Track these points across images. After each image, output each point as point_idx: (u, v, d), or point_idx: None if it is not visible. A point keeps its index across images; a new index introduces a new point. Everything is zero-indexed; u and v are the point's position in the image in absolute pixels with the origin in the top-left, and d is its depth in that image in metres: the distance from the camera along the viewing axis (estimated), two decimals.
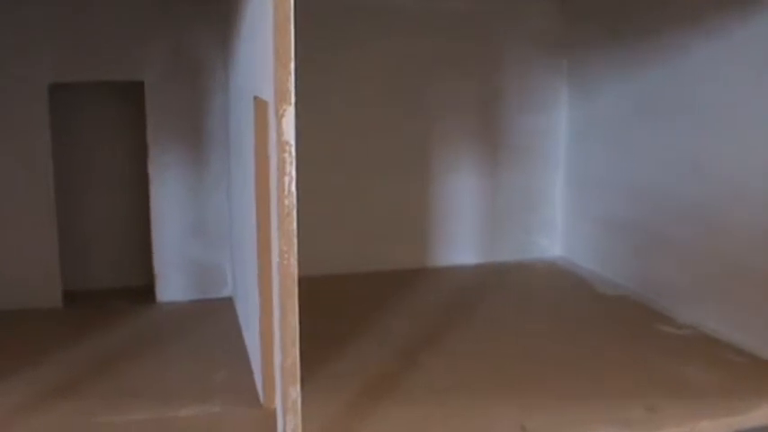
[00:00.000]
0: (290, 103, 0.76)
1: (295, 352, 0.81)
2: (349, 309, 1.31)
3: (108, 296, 1.39)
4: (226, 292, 1.37)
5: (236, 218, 1.22)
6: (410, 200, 1.51)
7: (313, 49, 1.40)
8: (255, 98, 0.92)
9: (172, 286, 1.35)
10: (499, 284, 1.44)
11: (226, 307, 1.33)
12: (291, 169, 0.77)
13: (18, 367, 1.10)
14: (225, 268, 1.36)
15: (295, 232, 0.79)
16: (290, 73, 0.76)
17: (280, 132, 0.76)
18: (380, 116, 1.46)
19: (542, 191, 1.57)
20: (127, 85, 1.34)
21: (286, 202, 0.78)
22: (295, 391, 0.82)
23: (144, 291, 1.39)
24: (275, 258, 0.80)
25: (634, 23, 1.35)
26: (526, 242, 1.58)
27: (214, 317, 1.29)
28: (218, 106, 1.31)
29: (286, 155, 0.77)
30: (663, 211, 1.30)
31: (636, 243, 1.37)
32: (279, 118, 0.76)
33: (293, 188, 0.78)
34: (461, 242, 1.54)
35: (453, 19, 1.46)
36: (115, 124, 1.38)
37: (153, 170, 1.32)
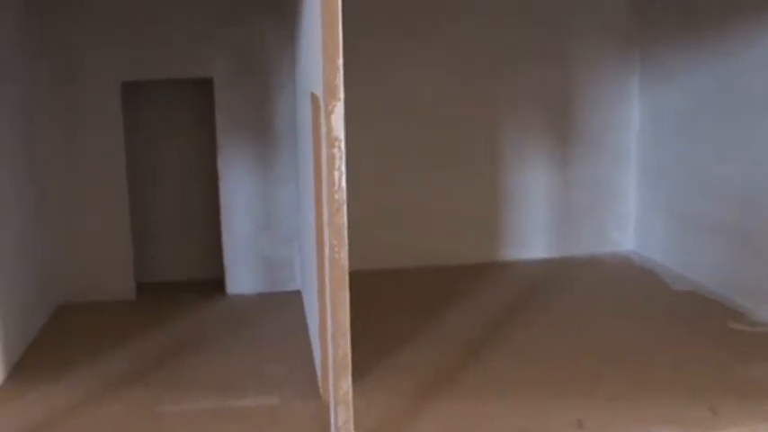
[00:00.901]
0: (339, 99, 0.77)
1: (346, 344, 0.82)
2: (414, 303, 1.32)
3: (179, 289, 1.42)
4: (294, 286, 1.38)
5: (303, 212, 1.23)
6: (479, 193, 1.50)
7: (382, 39, 1.40)
8: (312, 94, 0.93)
9: (241, 279, 1.37)
10: (569, 279, 1.42)
11: (294, 300, 1.35)
12: (341, 164, 0.78)
13: (90, 357, 1.14)
14: (293, 262, 1.38)
15: (345, 226, 0.79)
16: (338, 69, 0.76)
17: (329, 128, 0.77)
18: (449, 108, 1.46)
19: (614, 184, 1.55)
20: (197, 82, 1.36)
21: (336, 196, 0.78)
22: (346, 384, 0.83)
23: (214, 284, 1.41)
24: (327, 252, 0.81)
25: (708, 13, 1.32)
26: (597, 236, 1.56)
27: (282, 310, 1.31)
28: (285, 102, 1.33)
29: (335, 150, 0.78)
30: (739, 205, 1.27)
31: (710, 238, 1.34)
32: (328, 114, 0.77)
33: (343, 183, 0.78)
34: (531, 236, 1.53)
35: (524, 9, 1.45)
36: (185, 120, 1.41)
37: (223, 165, 1.34)
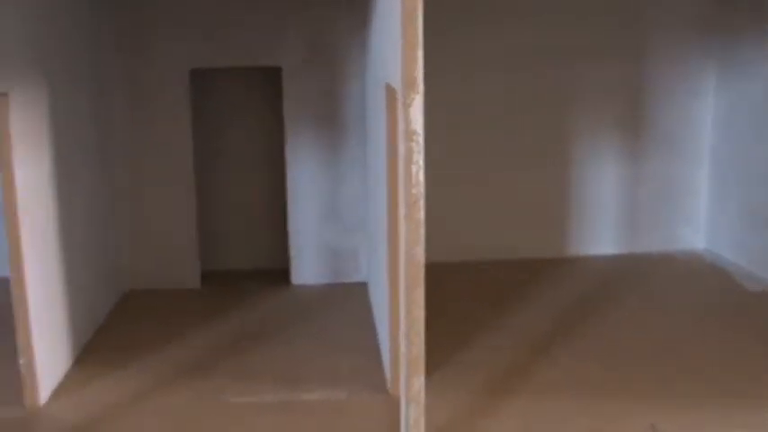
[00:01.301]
0: (418, 92, 0.75)
1: (420, 342, 0.80)
2: (483, 296, 1.30)
3: (244, 277, 1.41)
4: (359, 277, 1.37)
5: (370, 204, 1.22)
6: (549, 188, 1.47)
7: (451, 35, 1.39)
8: (387, 85, 0.92)
9: (306, 270, 1.37)
10: (639, 276, 1.39)
11: (359, 291, 1.34)
12: (419, 158, 0.77)
13: (156, 344, 1.14)
14: (359, 253, 1.37)
15: (423, 221, 0.78)
16: (417, 61, 0.75)
17: (407, 121, 0.76)
18: (519, 102, 1.43)
19: (686, 181, 1.51)
20: (265, 71, 1.36)
21: (413, 191, 0.77)
22: (419, 382, 0.82)
23: (279, 273, 1.41)
24: (402, 247, 0.80)
25: None
26: (668, 233, 1.52)
27: (347, 301, 1.30)
28: (354, 91, 1.31)
29: (413, 144, 0.76)
30: None
31: None
32: (406, 107, 0.75)
33: (421, 177, 0.77)
34: (600, 232, 1.50)
35: (597, 2, 1.42)
36: (253, 109, 1.41)
37: (290, 155, 1.33)
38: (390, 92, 0.91)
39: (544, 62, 1.43)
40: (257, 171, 1.43)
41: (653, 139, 1.49)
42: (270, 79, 1.37)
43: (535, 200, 1.48)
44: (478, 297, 1.30)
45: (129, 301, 1.32)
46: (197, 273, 1.36)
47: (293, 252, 1.37)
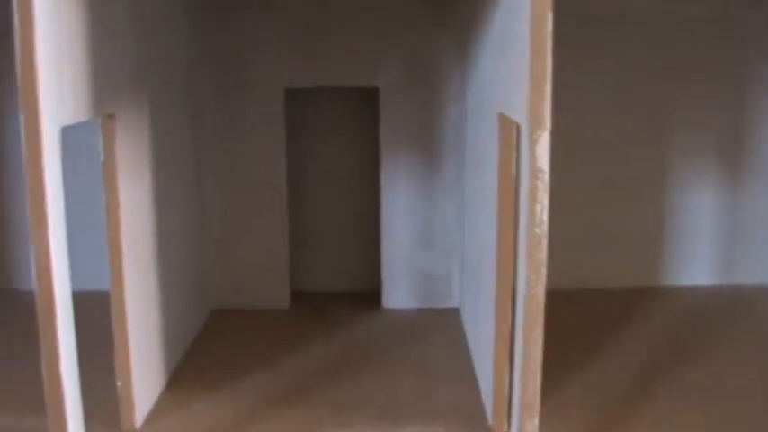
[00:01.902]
0: (546, 129, 0.73)
1: (536, 384, 0.78)
2: (578, 326, 1.27)
3: (333, 298, 1.40)
4: (452, 303, 1.35)
5: (470, 231, 1.19)
6: (644, 215, 1.44)
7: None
8: (500, 115, 0.89)
9: (397, 293, 1.35)
10: (736, 309, 1.35)
11: (451, 317, 1.31)
12: (544, 197, 0.74)
13: (247, 370, 1.13)
14: (452, 278, 1.34)
15: (545, 262, 0.75)
16: (545, 97, 0.72)
17: (533, 159, 0.73)
18: (615, 129, 1.40)
19: None
20: (361, 91, 1.34)
21: (537, 230, 0.74)
22: (532, 425, 0.79)
23: (369, 295, 1.39)
24: (522, 287, 0.77)
25: None
26: (766, 264, 1.47)
27: (439, 328, 1.28)
28: (452, 114, 1.29)
29: (539, 182, 0.74)
30: None
31: None
32: (533, 143, 0.73)
33: (545, 216, 0.74)
34: (697, 262, 1.46)
35: (697, 26, 1.38)
36: (348, 129, 1.39)
37: (385, 177, 1.31)
38: (505, 122, 0.89)
39: (641, 86, 1.39)
40: (350, 192, 1.41)
41: (752, 167, 1.44)
42: (366, 100, 1.35)
43: (630, 228, 1.44)
44: (572, 326, 1.27)
45: (217, 321, 1.31)
46: (286, 293, 1.35)
47: (385, 275, 1.35)
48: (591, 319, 1.30)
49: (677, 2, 1.37)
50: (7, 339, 1.22)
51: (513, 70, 0.80)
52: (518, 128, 0.79)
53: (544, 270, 0.75)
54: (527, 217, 0.75)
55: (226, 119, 1.29)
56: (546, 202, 0.74)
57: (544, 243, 0.75)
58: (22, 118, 0.72)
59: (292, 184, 1.36)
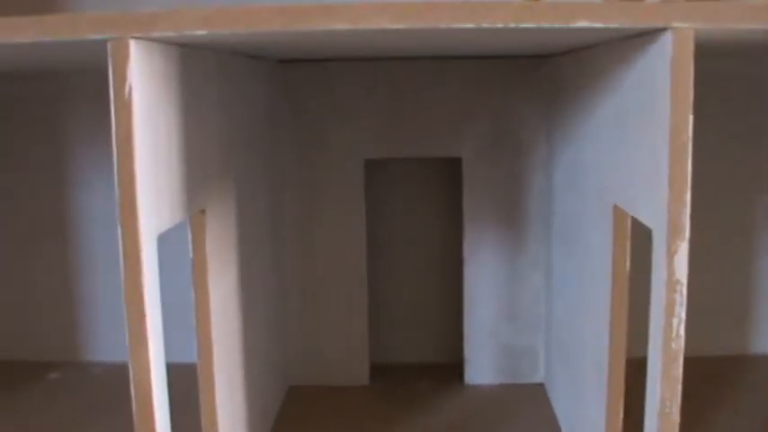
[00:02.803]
0: (685, 239, 0.66)
1: None
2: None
3: (414, 372, 1.34)
4: (537, 378, 1.28)
5: (564, 312, 1.13)
6: (731, 279, 1.36)
7: None
8: (615, 207, 0.83)
9: (480, 368, 1.28)
10: None
11: (537, 394, 1.25)
12: (681, 311, 0.67)
13: None
14: (538, 354, 1.27)
15: (680, 378, 0.69)
16: (685, 206, 0.66)
17: (671, 270, 0.67)
18: (696, 192, 1.32)
19: None
20: (443, 162, 1.28)
21: (673, 345, 0.68)
22: None
23: (450, 369, 1.33)
24: (653, 403, 0.71)
25: None
26: None
27: (526, 405, 1.21)
28: (537, 184, 1.23)
29: (677, 295, 0.67)
30: None
31: None
32: (671, 255, 0.66)
33: (682, 331, 0.68)
34: None
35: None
36: (429, 200, 1.34)
37: (468, 249, 1.25)
38: (621, 215, 0.82)
39: (729, 141, 1.32)
40: (432, 263, 1.35)
41: None
42: (449, 170, 1.29)
43: (716, 292, 1.36)
44: None
45: (296, 398, 1.25)
46: (366, 368, 1.29)
47: (467, 350, 1.28)
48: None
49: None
50: (77, 412, 1.17)
51: (638, 167, 0.74)
52: (649, 231, 0.72)
53: (679, 387, 0.69)
54: (662, 331, 0.68)
55: (304, 191, 1.24)
56: (683, 315, 0.67)
57: (680, 359, 0.68)
58: (120, 232, 0.67)
59: (372, 255, 1.31)
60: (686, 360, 1.23)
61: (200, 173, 0.82)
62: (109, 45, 0.65)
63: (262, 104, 1.13)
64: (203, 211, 0.84)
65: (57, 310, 1.37)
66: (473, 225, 1.25)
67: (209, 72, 0.87)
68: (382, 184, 1.32)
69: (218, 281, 0.89)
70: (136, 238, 0.67)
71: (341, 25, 0.63)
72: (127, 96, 0.65)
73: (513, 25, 0.63)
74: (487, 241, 1.25)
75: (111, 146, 0.66)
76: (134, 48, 0.65)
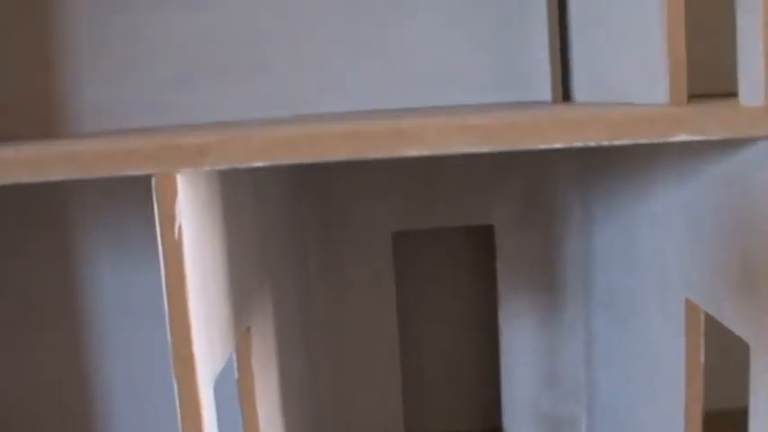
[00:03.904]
0: None
1: None
2: None
3: None
4: None
5: (610, 384, 1.05)
6: None
7: None
8: (687, 301, 0.75)
9: None
10: None
11: None
12: None
13: None
14: (579, 422, 1.20)
15: None
16: None
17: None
18: None
19: None
20: (474, 230, 1.20)
21: None
22: None
23: None
24: None
25: None
26: None
27: None
28: (573, 251, 1.16)
29: None
30: None
31: None
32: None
33: None
34: None
35: None
36: (461, 268, 1.25)
37: (503, 319, 1.18)
38: (694, 311, 0.75)
39: None
40: (466, 331, 1.27)
41: None
42: (480, 238, 1.21)
43: None
44: None
45: None
46: None
47: (506, 419, 1.20)
48: None
49: None
50: None
51: (727, 273, 0.66)
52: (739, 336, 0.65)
53: None
54: None
55: (332, 268, 1.16)
56: None
57: None
58: (175, 382, 0.59)
59: (404, 324, 1.22)
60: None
61: (244, 292, 0.74)
62: (153, 181, 0.57)
63: (288, 193, 1.04)
64: (248, 329, 0.76)
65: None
66: (508, 292, 1.17)
67: (247, 187, 0.79)
68: (412, 254, 1.24)
69: (264, 395, 0.81)
70: (194, 390, 0.59)
71: (418, 150, 0.55)
72: (177, 236, 0.57)
73: (606, 143, 0.55)
74: (523, 308, 1.18)
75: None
76: (182, 183, 0.57)
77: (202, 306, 0.61)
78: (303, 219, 1.13)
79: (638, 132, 0.55)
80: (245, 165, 0.56)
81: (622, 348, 1.00)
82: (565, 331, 1.18)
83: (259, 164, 0.55)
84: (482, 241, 1.21)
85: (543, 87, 1.12)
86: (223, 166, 0.56)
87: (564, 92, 1.11)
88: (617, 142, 0.55)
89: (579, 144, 0.55)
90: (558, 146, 0.55)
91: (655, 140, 0.55)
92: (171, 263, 0.57)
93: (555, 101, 1.11)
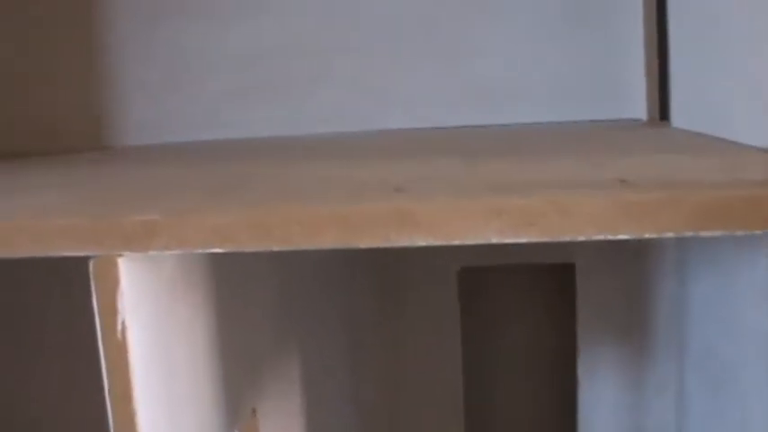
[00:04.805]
0: None
1: None
2: None
3: None
4: None
5: None
6: None
7: None
8: None
9: None
10: None
11: None
12: None
13: None
14: None
15: None
16: None
17: None
18: None
19: None
20: (552, 268, 1.04)
21: None
22: None
23: None
24: None
25: None
26: None
27: None
28: (666, 297, 0.99)
29: None
30: None
31: None
32: None
33: None
34: None
35: None
36: (535, 312, 1.10)
37: (582, 367, 1.02)
38: None
39: None
40: (539, 384, 1.12)
41: None
42: (557, 277, 1.05)
43: None
44: None
45: None
46: None
47: None
48: None
49: None
50: None
51: None
52: None
53: None
54: None
55: (386, 310, 1.02)
56: None
57: None
58: None
59: (469, 375, 1.07)
60: None
61: (241, 375, 0.60)
62: (91, 265, 0.43)
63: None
64: (254, 410, 0.62)
65: None
66: (589, 341, 1.01)
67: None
68: (479, 294, 1.09)
69: None
70: None
71: (422, 240, 0.40)
72: (120, 335, 0.43)
73: (690, 233, 0.39)
74: (606, 360, 1.02)
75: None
76: (126, 269, 0.43)
77: (163, 413, 0.47)
78: (351, 259, 0.99)
79: (730, 224, 0.39)
80: (201, 250, 0.41)
81: (718, 418, 0.83)
82: (653, 389, 1.01)
83: (218, 250, 0.41)
84: (560, 281, 1.05)
85: (638, 104, 0.96)
86: (175, 251, 0.42)
87: (661, 107, 0.95)
88: (703, 233, 0.39)
89: (652, 235, 0.39)
90: (623, 237, 0.39)
91: (755, 231, 0.39)
92: (113, 368, 0.43)
93: (650, 120, 0.95)
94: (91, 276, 0.43)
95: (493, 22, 0.94)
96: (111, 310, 0.43)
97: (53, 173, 0.73)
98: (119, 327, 0.43)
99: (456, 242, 0.39)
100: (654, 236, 0.39)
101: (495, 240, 0.39)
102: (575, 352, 1.02)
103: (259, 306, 0.66)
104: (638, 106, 0.96)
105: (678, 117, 0.89)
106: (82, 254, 0.43)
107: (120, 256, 0.43)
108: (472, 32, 0.95)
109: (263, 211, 0.40)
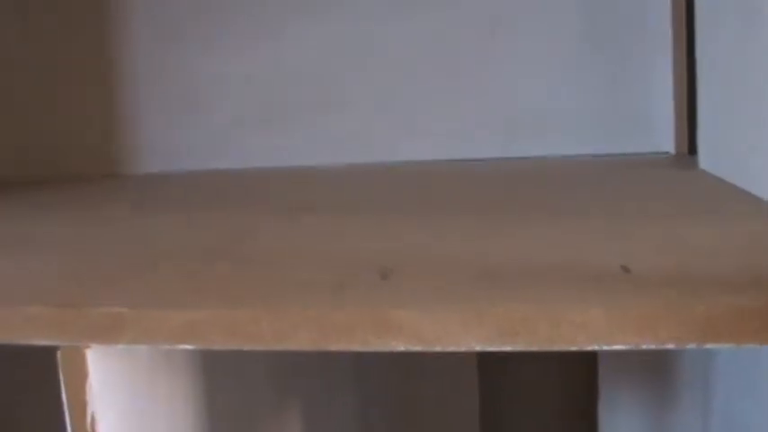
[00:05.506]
0: None
1: None
2: None
3: None
4: None
5: None
6: None
7: None
8: None
9: None
10: None
11: None
12: None
13: None
14: None
15: None
16: None
17: None
18: None
19: None
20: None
21: None
22: None
23: None
24: None
25: None
26: None
27: None
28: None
29: None
30: None
31: None
32: None
33: None
34: None
35: None
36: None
37: (603, 414, 0.97)
38: None
39: None
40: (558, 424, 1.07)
41: None
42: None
43: None
44: None
45: None
46: None
47: None
48: None
49: None
50: None
51: None
52: None
53: None
54: None
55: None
56: None
57: None
58: None
59: (485, 418, 1.03)
60: None
61: None
62: (59, 355, 0.41)
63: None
64: None
65: None
66: (610, 382, 0.97)
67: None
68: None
69: None
70: None
71: (401, 346, 0.37)
72: (89, 428, 0.41)
73: (694, 346, 0.35)
74: (627, 403, 0.98)
75: None
76: (93, 359, 0.40)
77: None
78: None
79: (742, 337, 0.35)
80: (170, 346, 0.39)
81: None
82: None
83: (188, 347, 0.38)
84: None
85: (665, 137, 0.91)
86: (143, 345, 0.39)
87: (690, 139, 0.91)
88: (708, 345, 0.35)
89: (650, 347, 0.35)
90: (619, 347, 0.35)
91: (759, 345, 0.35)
92: None
93: (677, 156, 0.91)
94: (59, 367, 0.40)
95: (517, 51, 0.90)
96: (79, 402, 0.40)
97: (42, 219, 0.70)
98: (88, 419, 0.40)
99: (437, 349, 0.36)
100: (652, 347, 0.35)
101: (478, 348, 0.35)
102: (596, 394, 0.98)
103: (260, 363, 0.63)
104: (666, 139, 0.92)
105: (705, 155, 0.84)
106: (49, 343, 0.40)
107: (87, 347, 0.40)
108: (495, 62, 0.91)
109: (234, 311, 0.37)
